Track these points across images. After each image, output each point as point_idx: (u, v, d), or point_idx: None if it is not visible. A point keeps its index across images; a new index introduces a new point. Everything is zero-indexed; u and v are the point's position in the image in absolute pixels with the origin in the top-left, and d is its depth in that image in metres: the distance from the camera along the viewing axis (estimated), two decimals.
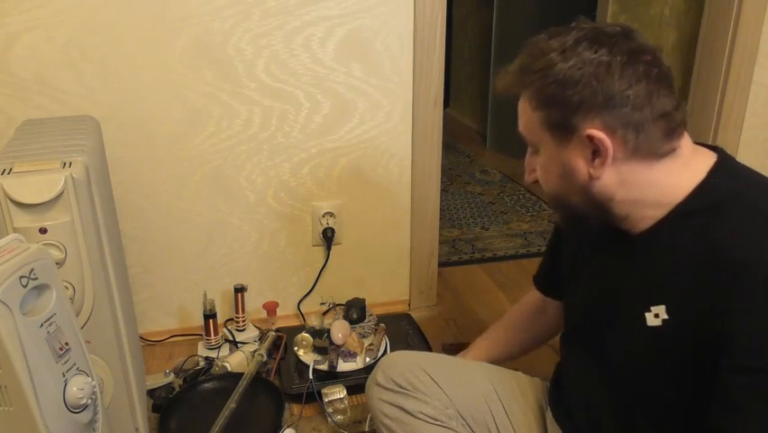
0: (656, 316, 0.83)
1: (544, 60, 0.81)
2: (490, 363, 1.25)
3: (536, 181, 0.91)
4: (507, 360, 1.27)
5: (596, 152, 0.80)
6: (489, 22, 3.52)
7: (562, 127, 0.81)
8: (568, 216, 0.93)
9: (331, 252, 1.79)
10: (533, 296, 1.28)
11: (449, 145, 3.57)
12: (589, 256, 0.98)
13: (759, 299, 0.72)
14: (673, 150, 0.81)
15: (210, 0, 1.48)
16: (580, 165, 0.82)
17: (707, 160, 0.83)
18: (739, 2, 1.75)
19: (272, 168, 1.67)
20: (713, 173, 0.82)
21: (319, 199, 1.74)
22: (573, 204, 0.87)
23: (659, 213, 0.83)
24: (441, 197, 1.86)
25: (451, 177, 3.19)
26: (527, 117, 0.85)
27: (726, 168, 0.83)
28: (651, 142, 0.80)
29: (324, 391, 1.42)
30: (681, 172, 0.82)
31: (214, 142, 1.61)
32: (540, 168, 0.88)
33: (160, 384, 1.50)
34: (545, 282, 1.23)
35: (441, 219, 1.89)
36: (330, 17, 1.56)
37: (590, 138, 0.79)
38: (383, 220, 1.81)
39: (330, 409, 1.40)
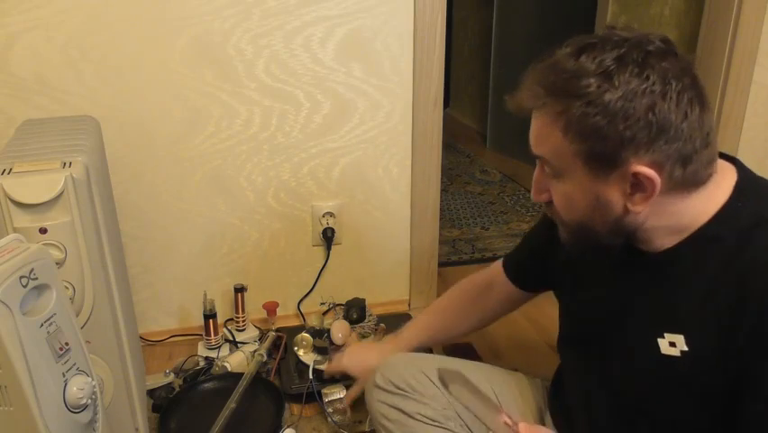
0: (672, 345, 0.78)
1: (581, 84, 0.71)
2: (422, 346, 1.24)
3: (548, 202, 0.82)
4: (440, 343, 1.24)
5: (636, 186, 0.74)
6: (489, 22, 3.52)
7: (604, 162, 0.73)
8: (585, 242, 0.83)
9: (331, 252, 1.79)
10: (480, 277, 1.24)
11: (449, 145, 3.57)
12: (595, 266, 0.92)
13: None
14: (710, 175, 0.76)
15: (210, 0, 1.48)
16: (616, 198, 0.75)
17: (729, 176, 0.79)
18: (739, 2, 1.75)
19: (272, 168, 1.67)
20: (737, 194, 0.77)
21: (319, 199, 1.74)
22: (597, 232, 0.80)
23: (682, 235, 0.78)
24: (441, 197, 1.85)
25: (451, 177, 3.19)
26: (556, 144, 0.75)
27: (748, 187, 0.78)
28: (696, 173, 0.74)
29: (324, 391, 1.42)
30: (711, 196, 0.77)
31: (214, 142, 1.61)
32: (560, 195, 0.80)
33: (160, 384, 1.50)
34: (519, 273, 1.18)
35: (441, 219, 1.89)
36: (330, 17, 1.56)
37: (636, 175, 0.72)
38: (383, 220, 1.81)
39: (330, 409, 1.40)
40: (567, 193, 0.79)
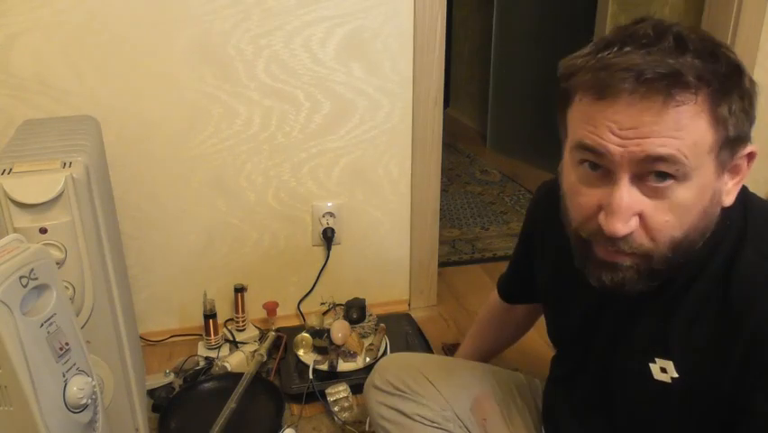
0: (663, 370, 0.76)
1: (729, 66, 0.65)
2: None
3: (623, 237, 0.68)
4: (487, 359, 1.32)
5: (733, 170, 0.70)
6: (489, 22, 3.52)
7: (735, 147, 0.68)
8: (672, 265, 0.71)
9: (331, 252, 1.79)
10: (494, 306, 1.30)
11: (449, 145, 3.57)
12: (582, 288, 0.83)
13: None
14: None
15: (210, 0, 1.48)
16: (721, 192, 0.70)
17: None
18: (739, 2, 1.75)
19: (272, 168, 1.67)
20: (723, 217, 0.71)
21: (319, 199, 1.74)
22: (694, 243, 0.70)
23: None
24: (441, 197, 1.85)
25: (451, 177, 3.18)
26: (697, 137, 0.65)
27: (736, 208, 0.72)
28: None
29: (328, 391, 1.42)
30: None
31: (214, 142, 1.61)
32: (674, 206, 0.67)
33: (160, 384, 1.50)
34: (510, 293, 1.24)
35: (441, 219, 1.89)
36: (330, 17, 1.56)
37: (751, 155, 0.69)
38: (383, 220, 1.81)
39: (336, 408, 1.40)
40: (686, 200, 0.67)
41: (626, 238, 0.68)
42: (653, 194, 0.66)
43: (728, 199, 0.70)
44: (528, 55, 3.28)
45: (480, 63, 3.87)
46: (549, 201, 0.93)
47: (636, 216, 0.67)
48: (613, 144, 0.65)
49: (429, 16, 1.62)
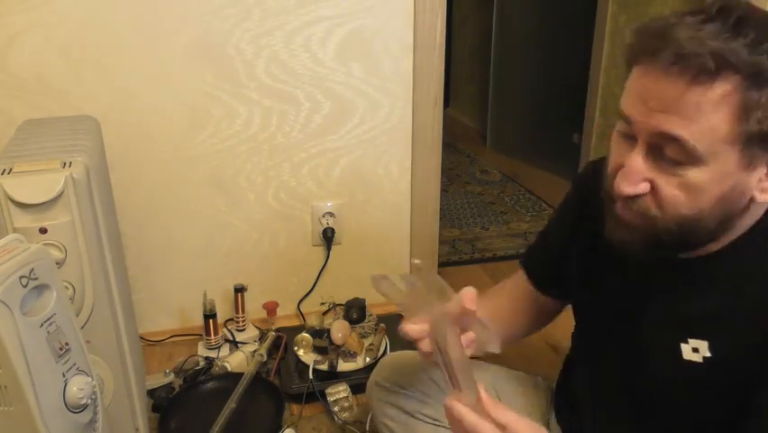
0: (695, 350, 0.76)
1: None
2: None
3: (635, 196, 0.70)
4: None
5: None
6: (489, 22, 3.52)
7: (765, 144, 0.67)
8: (675, 242, 0.72)
9: (331, 252, 1.79)
10: (518, 285, 1.10)
11: (449, 145, 3.57)
12: (619, 264, 0.84)
13: None
14: None
15: (210, 0, 1.48)
16: (751, 187, 0.69)
17: None
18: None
19: (272, 168, 1.67)
20: None
21: (319, 199, 1.74)
22: (704, 228, 0.71)
23: (722, 242, 0.74)
24: (441, 197, 1.86)
25: (451, 177, 3.19)
26: (715, 124, 0.65)
27: None
28: None
29: (328, 391, 1.42)
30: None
31: (214, 142, 1.61)
32: (685, 185, 0.68)
33: (160, 384, 1.50)
34: (542, 278, 1.05)
35: (441, 219, 1.89)
36: (330, 17, 1.56)
37: None
38: (383, 220, 1.81)
39: (336, 408, 1.41)
40: (698, 182, 0.67)
41: (634, 199, 0.71)
42: (666, 168, 0.68)
43: (764, 196, 0.70)
44: (528, 55, 3.28)
45: (480, 63, 3.87)
46: (587, 189, 0.93)
47: (647, 182, 0.70)
48: (637, 112, 0.69)
49: (429, 16, 1.62)
